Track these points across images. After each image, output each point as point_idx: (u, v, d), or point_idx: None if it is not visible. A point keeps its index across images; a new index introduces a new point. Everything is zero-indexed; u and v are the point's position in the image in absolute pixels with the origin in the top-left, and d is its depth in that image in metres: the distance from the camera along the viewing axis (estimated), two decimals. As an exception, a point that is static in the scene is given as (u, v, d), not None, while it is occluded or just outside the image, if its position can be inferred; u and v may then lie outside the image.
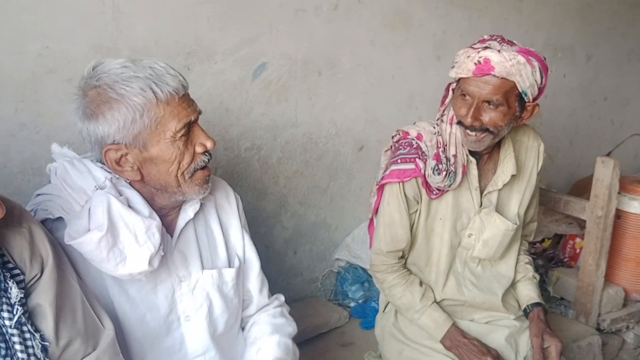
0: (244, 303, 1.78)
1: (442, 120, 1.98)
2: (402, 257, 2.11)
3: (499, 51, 1.78)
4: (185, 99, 1.47)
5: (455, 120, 1.92)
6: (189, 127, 1.47)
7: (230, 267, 1.69)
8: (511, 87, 1.82)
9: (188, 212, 1.60)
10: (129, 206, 1.42)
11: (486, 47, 1.81)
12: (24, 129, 1.84)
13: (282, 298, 1.86)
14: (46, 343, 1.22)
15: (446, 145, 1.94)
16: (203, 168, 1.53)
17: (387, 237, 2.06)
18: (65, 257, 1.36)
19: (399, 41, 2.73)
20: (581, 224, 3.03)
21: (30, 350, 1.19)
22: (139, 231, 1.39)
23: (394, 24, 2.69)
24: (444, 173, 1.91)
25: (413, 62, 2.80)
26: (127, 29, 1.96)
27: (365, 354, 2.31)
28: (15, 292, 1.17)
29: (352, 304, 2.66)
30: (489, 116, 1.84)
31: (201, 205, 1.64)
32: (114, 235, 1.37)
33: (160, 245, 1.44)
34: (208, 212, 1.68)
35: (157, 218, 1.45)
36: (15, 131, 1.82)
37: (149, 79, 1.40)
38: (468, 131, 1.87)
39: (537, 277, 2.23)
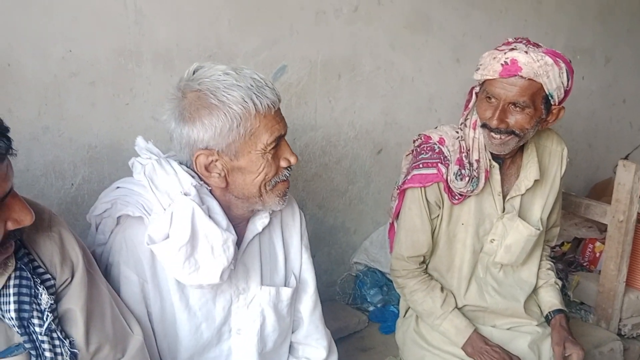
0: (293, 324, 1.78)
1: (465, 125, 1.96)
2: (423, 262, 2.10)
3: (526, 52, 1.77)
4: (279, 114, 1.48)
5: (479, 123, 1.90)
6: (279, 141, 1.48)
7: (287, 285, 1.69)
8: (538, 89, 1.80)
9: (257, 225, 1.60)
10: (209, 216, 1.41)
11: (512, 49, 1.79)
12: (47, 132, 1.85)
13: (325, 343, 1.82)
14: (75, 350, 1.22)
15: (469, 150, 1.92)
16: (284, 181, 1.54)
17: (408, 242, 2.05)
18: (94, 261, 1.36)
19: (419, 43, 2.71)
20: (601, 227, 3.00)
21: (60, 358, 1.19)
22: (216, 243, 1.39)
23: (414, 26, 2.67)
24: (467, 178, 1.89)
25: (433, 65, 2.78)
26: (150, 32, 1.96)
27: (385, 359, 2.29)
28: (45, 299, 1.17)
29: (371, 308, 2.64)
30: (515, 118, 1.82)
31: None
32: (193, 244, 1.37)
33: (233, 259, 1.44)
34: (273, 228, 1.68)
35: (234, 232, 1.45)
36: (38, 134, 1.82)
37: (250, 89, 1.39)
38: (493, 134, 1.85)
39: (559, 283, 2.22)
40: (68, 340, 1.21)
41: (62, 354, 1.19)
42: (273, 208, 1.57)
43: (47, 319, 1.17)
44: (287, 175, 1.54)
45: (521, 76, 1.77)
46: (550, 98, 1.83)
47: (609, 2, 3.50)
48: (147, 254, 1.42)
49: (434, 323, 2.03)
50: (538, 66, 1.76)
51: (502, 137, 1.85)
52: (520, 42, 1.85)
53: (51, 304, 1.18)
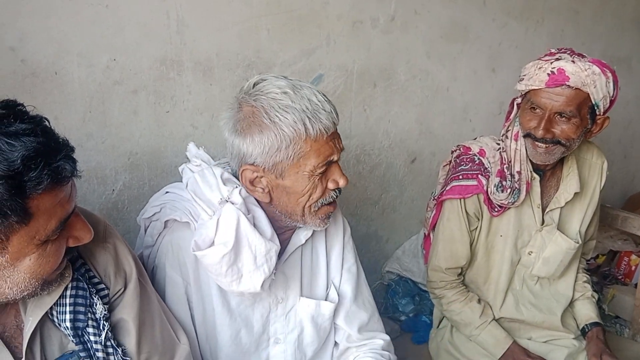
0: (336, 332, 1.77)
1: (506, 137, 1.95)
2: (461, 274, 2.09)
3: (573, 62, 1.76)
4: (333, 137, 1.45)
5: (522, 134, 1.89)
6: (329, 164, 1.46)
7: (327, 299, 1.68)
8: (584, 98, 1.78)
9: (300, 237, 1.60)
10: (254, 225, 1.42)
11: (558, 59, 1.78)
12: (91, 139, 1.89)
13: (387, 338, 1.82)
14: (128, 358, 1.25)
15: (510, 161, 1.91)
16: (330, 204, 1.51)
17: (447, 253, 2.04)
18: (145, 272, 1.38)
19: (455, 53, 2.71)
20: (636, 240, 2.96)
21: None
22: (259, 253, 1.40)
23: (450, 36, 2.67)
24: (509, 190, 1.88)
25: (468, 74, 2.78)
26: (191, 42, 1.99)
27: (417, 369, 2.29)
28: (100, 308, 1.20)
29: (403, 318, 2.64)
30: (560, 128, 1.81)
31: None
32: (236, 252, 1.38)
33: (274, 269, 1.44)
34: (317, 238, 1.67)
35: (277, 242, 1.45)
36: (82, 141, 1.86)
37: (304, 112, 1.38)
38: (538, 143, 1.84)
39: (596, 296, 2.19)
40: (121, 349, 1.24)
41: None
42: (314, 228, 1.57)
43: (104, 328, 1.20)
44: (334, 197, 1.51)
45: (568, 85, 1.76)
46: (596, 108, 1.82)
47: (646, 11, 3.46)
48: (192, 258, 1.45)
49: (471, 333, 2.02)
50: (585, 75, 1.75)
51: (548, 146, 1.83)
52: (565, 52, 1.84)
53: (105, 313, 1.21)
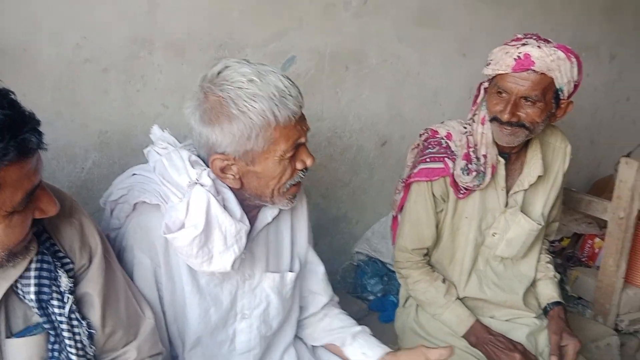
0: (307, 302, 1.84)
1: (473, 120, 1.99)
2: (427, 254, 2.14)
3: (538, 47, 1.80)
4: (300, 120, 1.47)
5: (488, 118, 1.93)
6: (298, 147, 1.49)
7: (291, 270, 1.73)
8: (549, 83, 1.83)
9: (267, 216, 1.63)
10: (224, 206, 1.44)
11: (525, 44, 1.82)
12: (60, 117, 1.88)
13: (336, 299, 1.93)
14: (92, 330, 1.26)
15: (477, 145, 1.95)
16: (297, 184, 1.55)
17: (413, 235, 2.08)
18: (111, 248, 1.40)
19: (426, 37, 2.74)
20: (600, 223, 3.03)
21: (78, 337, 1.23)
22: (229, 234, 1.42)
23: (422, 20, 2.70)
24: (474, 173, 1.92)
25: (439, 59, 2.81)
26: (162, 22, 1.99)
27: (384, 347, 2.33)
28: (65, 281, 1.20)
29: (371, 297, 2.69)
30: (525, 112, 1.86)
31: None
32: (207, 234, 1.40)
33: (244, 249, 1.47)
34: (281, 216, 1.70)
35: (247, 222, 1.48)
36: (52, 119, 1.85)
37: (272, 99, 1.39)
38: (504, 126, 1.88)
39: (558, 276, 2.25)
40: (85, 322, 1.25)
41: (79, 334, 1.23)
42: (281, 208, 1.61)
43: (67, 300, 1.21)
44: (302, 176, 1.55)
45: (534, 70, 1.80)
46: (560, 92, 1.87)
47: (615, 0, 3.51)
48: (161, 240, 1.46)
49: (435, 312, 2.07)
50: (550, 60, 1.79)
51: (513, 130, 1.88)
52: (531, 37, 1.88)
53: (70, 286, 1.22)
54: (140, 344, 1.38)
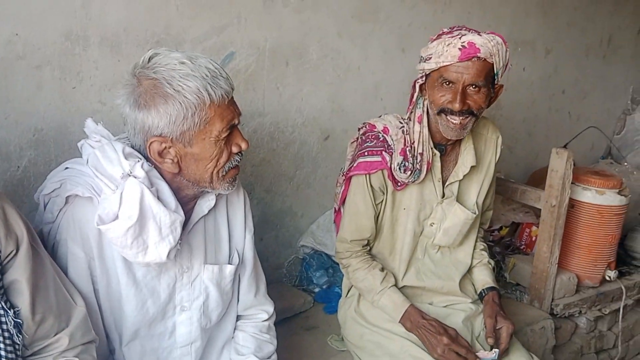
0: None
1: (410, 119, 2.04)
2: (366, 245, 2.19)
3: (479, 34, 1.87)
4: (232, 102, 1.52)
5: (434, 111, 1.97)
6: (232, 129, 1.53)
7: (230, 263, 1.75)
8: (490, 68, 1.90)
9: (203, 208, 1.65)
10: (158, 197, 1.45)
11: (464, 34, 1.88)
12: (-8, 114, 1.85)
13: (271, 310, 1.92)
14: (18, 320, 1.26)
15: (414, 143, 2.01)
16: (235, 167, 1.59)
17: (352, 226, 2.13)
18: (37, 237, 1.40)
19: (366, 33, 2.78)
20: (537, 213, 3.14)
21: (4, 327, 1.23)
22: (164, 224, 1.44)
23: (362, 16, 2.74)
24: (409, 172, 1.99)
25: (379, 54, 2.86)
26: (97, 16, 1.98)
27: (328, 337, 2.38)
28: None
29: (317, 290, 2.72)
30: (472, 99, 1.92)
31: None
32: (141, 225, 1.41)
33: (180, 239, 1.49)
34: (218, 208, 1.73)
35: (182, 213, 1.50)
36: (-17, 117, 1.82)
37: (205, 79, 1.43)
38: (452, 118, 1.93)
39: (492, 262, 2.33)
40: (12, 311, 1.25)
41: (6, 323, 1.23)
42: (221, 192, 1.63)
43: None
44: (238, 160, 1.59)
45: (478, 57, 1.86)
46: (496, 77, 1.94)
47: (550, -4, 3.64)
48: (95, 232, 1.46)
49: (373, 299, 2.12)
50: (492, 46, 1.86)
51: (462, 119, 1.93)
52: (461, 29, 1.94)
53: None
54: (73, 332, 1.39)
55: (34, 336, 1.32)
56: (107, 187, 1.44)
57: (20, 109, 1.90)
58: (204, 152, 1.50)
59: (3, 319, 1.23)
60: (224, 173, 1.56)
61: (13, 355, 1.24)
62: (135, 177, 1.44)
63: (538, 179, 3.51)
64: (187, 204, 1.60)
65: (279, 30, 2.48)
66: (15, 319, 1.25)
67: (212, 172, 1.54)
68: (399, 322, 2.07)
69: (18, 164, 1.94)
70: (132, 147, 1.53)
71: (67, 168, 1.56)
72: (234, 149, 1.56)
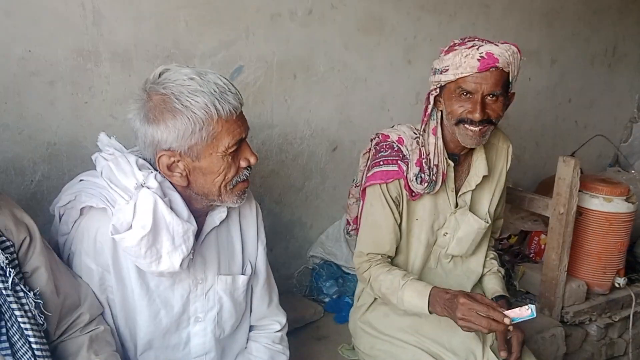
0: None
1: (424, 131, 2.03)
2: (387, 258, 2.13)
3: (496, 45, 1.87)
4: (240, 117, 1.54)
5: (452, 122, 1.97)
6: (240, 144, 1.55)
7: (243, 274, 1.77)
8: (506, 77, 1.91)
9: (215, 219, 1.68)
10: (171, 207, 1.48)
11: (480, 45, 1.88)
12: (7, 130, 1.89)
13: (283, 321, 1.93)
14: (39, 300, 1.33)
15: (429, 154, 2.00)
16: (244, 181, 1.60)
17: (370, 239, 2.10)
18: (42, 237, 1.47)
19: (372, 45, 2.82)
20: (546, 221, 3.14)
21: (27, 307, 1.29)
22: (176, 234, 1.47)
23: (367, 28, 2.78)
24: (426, 184, 1.99)
25: (385, 66, 2.89)
26: (108, 33, 2.02)
27: (339, 347, 2.39)
28: (2, 257, 1.27)
29: (327, 300, 2.74)
30: (491, 108, 1.93)
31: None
32: (154, 235, 1.44)
33: (192, 249, 1.51)
34: (231, 220, 1.75)
35: (194, 223, 1.53)
36: (-1, 132, 1.86)
37: (213, 95, 1.45)
38: (471, 127, 1.93)
39: (502, 271, 2.33)
40: (32, 293, 1.31)
41: (27, 304, 1.29)
42: (231, 205, 1.65)
43: (10, 274, 1.27)
44: (247, 175, 1.61)
45: (496, 67, 1.87)
46: (510, 85, 1.95)
47: (554, 6, 3.66)
48: (109, 243, 1.49)
49: (397, 297, 1.98)
50: (509, 55, 1.87)
51: (481, 128, 1.93)
52: (473, 39, 1.94)
53: (10, 260, 1.29)
54: (89, 306, 1.49)
55: (61, 314, 1.42)
56: (121, 198, 1.47)
57: (33, 124, 1.94)
58: (211, 166, 1.52)
59: (24, 301, 1.29)
60: (232, 186, 1.58)
61: (39, 334, 1.31)
62: (149, 188, 1.47)
63: (546, 187, 3.52)
64: (199, 217, 1.63)
65: (286, 44, 2.52)
66: (35, 300, 1.31)
67: (220, 186, 1.56)
68: (429, 310, 1.92)
69: (32, 178, 1.98)
70: (144, 159, 1.56)
71: (81, 180, 1.59)
72: (243, 164, 1.58)
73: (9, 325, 1.27)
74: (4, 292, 1.26)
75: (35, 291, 1.33)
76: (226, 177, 1.55)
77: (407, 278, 2.00)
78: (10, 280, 1.27)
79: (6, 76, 1.85)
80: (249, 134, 1.61)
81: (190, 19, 2.21)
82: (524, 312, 1.79)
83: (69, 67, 1.96)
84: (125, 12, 2.04)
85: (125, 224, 1.44)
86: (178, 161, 1.51)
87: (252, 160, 1.58)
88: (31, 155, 1.96)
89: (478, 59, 1.86)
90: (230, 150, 1.52)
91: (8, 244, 1.31)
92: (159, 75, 1.50)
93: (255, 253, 1.84)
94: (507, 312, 1.80)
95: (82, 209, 1.53)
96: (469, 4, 3.16)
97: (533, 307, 1.79)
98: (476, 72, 1.88)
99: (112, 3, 2.01)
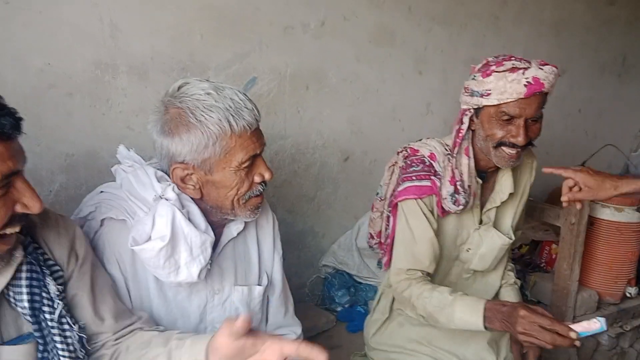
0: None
1: (458, 152, 1.98)
2: (427, 275, 2.06)
3: (540, 68, 1.81)
4: (256, 133, 1.54)
5: (492, 145, 1.91)
6: (254, 159, 1.55)
7: (259, 284, 1.79)
8: (545, 97, 1.87)
9: (232, 230, 1.69)
10: (189, 219, 1.50)
11: (524, 68, 1.81)
12: (25, 141, 1.87)
13: (299, 331, 1.92)
14: (83, 335, 1.32)
15: (462, 175, 1.96)
16: (257, 196, 1.61)
17: (408, 255, 2.01)
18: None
19: (383, 56, 2.84)
20: (557, 230, 3.14)
21: (69, 341, 1.29)
22: (194, 245, 1.49)
23: (378, 40, 2.80)
24: (461, 206, 1.96)
25: (396, 77, 2.91)
26: (125, 46, 2.05)
27: (351, 355, 2.39)
28: (53, 288, 1.26)
29: (339, 309, 2.75)
30: (532, 130, 1.89)
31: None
32: (173, 245, 1.46)
33: (210, 260, 1.53)
34: (248, 231, 1.76)
35: (212, 234, 1.55)
36: (18, 143, 1.89)
37: (228, 110, 1.47)
38: (510, 150, 1.89)
39: (519, 282, 2.32)
40: (77, 326, 1.31)
41: (71, 337, 1.29)
42: (244, 220, 1.67)
43: (57, 306, 1.27)
44: (261, 190, 1.61)
45: (542, 91, 1.82)
46: (544, 104, 1.91)
47: (563, 17, 3.68)
48: (129, 253, 1.51)
49: (447, 315, 1.83)
50: (552, 78, 1.82)
51: (518, 150, 1.90)
52: (510, 59, 1.86)
53: (58, 293, 1.28)
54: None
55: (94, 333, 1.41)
56: (140, 210, 1.49)
57: (51, 135, 1.97)
58: (224, 180, 1.53)
59: (68, 334, 1.29)
60: (245, 201, 1.58)
61: None
62: (167, 200, 1.49)
63: (556, 196, 3.51)
64: (216, 228, 1.64)
65: (299, 55, 2.55)
66: (79, 334, 1.31)
67: (233, 200, 1.57)
68: (485, 326, 1.75)
69: (50, 189, 2.00)
70: (163, 171, 1.59)
71: (102, 192, 1.61)
72: (257, 179, 1.58)
73: (50, 357, 1.26)
74: (49, 323, 1.26)
75: (80, 323, 1.33)
76: (239, 192, 1.56)
77: (455, 293, 1.86)
78: (57, 312, 1.26)
79: (25, 88, 1.88)
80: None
81: (206, 31, 2.24)
82: (593, 326, 1.61)
83: (86, 79, 2.00)
84: (142, 25, 2.08)
85: (145, 235, 1.46)
86: (191, 174, 1.53)
87: (267, 176, 1.58)
88: (49, 166, 1.99)
89: (525, 85, 1.79)
90: (243, 165, 1.53)
91: (60, 273, 1.31)
92: (178, 89, 1.52)
93: (272, 263, 1.85)
94: (573, 326, 1.63)
95: (102, 220, 1.55)
96: (479, 15, 3.18)
97: (603, 320, 1.61)
98: (521, 98, 1.82)
99: (129, 16, 2.04)
